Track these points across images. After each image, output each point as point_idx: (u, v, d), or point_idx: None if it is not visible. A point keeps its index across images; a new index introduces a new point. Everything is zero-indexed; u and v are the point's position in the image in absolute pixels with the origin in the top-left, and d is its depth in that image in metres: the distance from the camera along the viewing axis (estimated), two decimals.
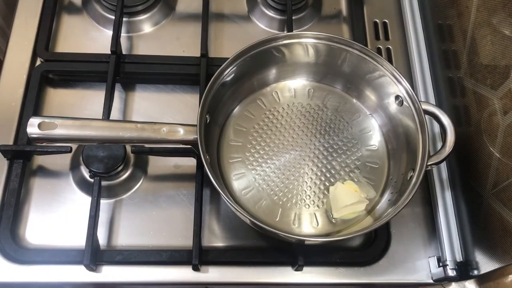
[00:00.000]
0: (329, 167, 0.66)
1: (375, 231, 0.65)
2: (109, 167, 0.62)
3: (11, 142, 0.66)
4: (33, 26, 0.74)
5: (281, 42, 0.65)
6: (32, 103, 0.68)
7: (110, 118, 0.66)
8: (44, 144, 0.61)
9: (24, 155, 0.65)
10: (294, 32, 0.66)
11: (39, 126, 0.53)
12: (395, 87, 0.63)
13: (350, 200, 0.61)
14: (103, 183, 0.63)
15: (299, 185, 0.64)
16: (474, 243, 0.61)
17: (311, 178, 0.65)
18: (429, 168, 0.58)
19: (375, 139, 0.68)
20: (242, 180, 0.64)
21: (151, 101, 0.72)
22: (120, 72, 0.70)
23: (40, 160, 0.67)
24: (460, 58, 0.66)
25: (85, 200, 0.64)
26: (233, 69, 0.63)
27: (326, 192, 0.64)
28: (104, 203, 0.64)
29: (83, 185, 0.65)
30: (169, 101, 0.72)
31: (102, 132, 0.55)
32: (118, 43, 0.70)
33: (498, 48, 0.56)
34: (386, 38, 0.79)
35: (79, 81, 0.72)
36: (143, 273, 0.60)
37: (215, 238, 0.64)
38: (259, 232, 0.63)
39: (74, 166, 0.66)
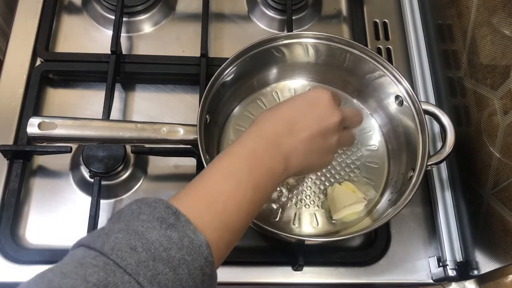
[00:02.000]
0: (329, 167, 0.66)
1: (375, 231, 0.65)
2: (109, 167, 0.62)
3: (11, 142, 0.66)
4: (33, 26, 0.74)
5: (281, 42, 0.65)
6: (32, 103, 0.68)
7: (110, 118, 0.66)
8: (44, 144, 0.61)
9: (24, 155, 0.65)
10: (294, 32, 0.66)
11: (39, 126, 0.53)
12: (395, 87, 0.63)
13: (349, 201, 0.61)
14: (103, 183, 0.63)
15: (299, 185, 0.64)
16: (474, 243, 0.61)
17: (311, 178, 0.65)
18: (429, 168, 0.58)
19: (375, 139, 0.68)
20: None
21: (151, 101, 0.72)
22: (120, 72, 0.70)
23: (40, 160, 0.67)
24: (460, 58, 0.66)
25: (85, 200, 0.64)
26: (233, 69, 0.63)
27: (326, 192, 0.64)
28: (104, 203, 0.64)
29: (83, 185, 0.65)
30: (169, 101, 0.72)
31: (102, 132, 0.55)
32: (118, 43, 0.70)
33: (498, 48, 0.56)
34: (386, 38, 0.79)
35: (79, 81, 0.72)
36: None
37: None
38: (259, 232, 0.63)
39: (74, 166, 0.66)
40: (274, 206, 0.63)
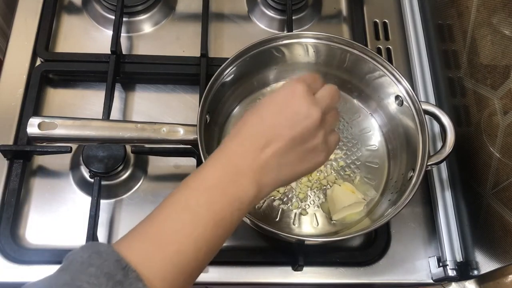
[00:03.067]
0: (330, 167, 0.66)
1: (375, 231, 0.65)
2: (109, 167, 0.62)
3: (11, 142, 0.66)
4: (33, 26, 0.74)
5: (281, 42, 0.64)
6: (32, 103, 0.68)
7: (110, 118, 0.66)
8: (44, 144, 0.61)
9: (24, 155, 0.65)
10: (294, 32, 0.66)
11: (39, 126, 0.53)
12: (395, 87, 0.63)
13: (348, 202, 0.61)
14: (103, 183, 0.63)
15: (299, 185, 0.64)
16: (474, 243, 0.61)
17: (310, 178, 0.65)
18: (429, 168, 0.58)
19: (375, 139, 0.68)
20: None
21: (151, 101, 0.72)
22: (120, 72, 0.70)
23: (40, 160, 0.67)
24: (460, 58, 0.66)
25: (85, 200, 0.64)
26: (233, 69, 0.63)
27: (325, 192, 0.64)
28: (104, 203, 0.64)
29: (83, 185, 0.65)
30: (169, 101, 0.72)
31: (102, 132, 0.55)
32: (118, 43, 0.70)
33: (498, 48, 0.56)
34: (386, 38, 0.79)
35: (79, 81, 0.72)
36: None
37: None
38: (259, 232, 0.63)
39: (74, 166, 0.66)
40: (274, 206, 0.63)
